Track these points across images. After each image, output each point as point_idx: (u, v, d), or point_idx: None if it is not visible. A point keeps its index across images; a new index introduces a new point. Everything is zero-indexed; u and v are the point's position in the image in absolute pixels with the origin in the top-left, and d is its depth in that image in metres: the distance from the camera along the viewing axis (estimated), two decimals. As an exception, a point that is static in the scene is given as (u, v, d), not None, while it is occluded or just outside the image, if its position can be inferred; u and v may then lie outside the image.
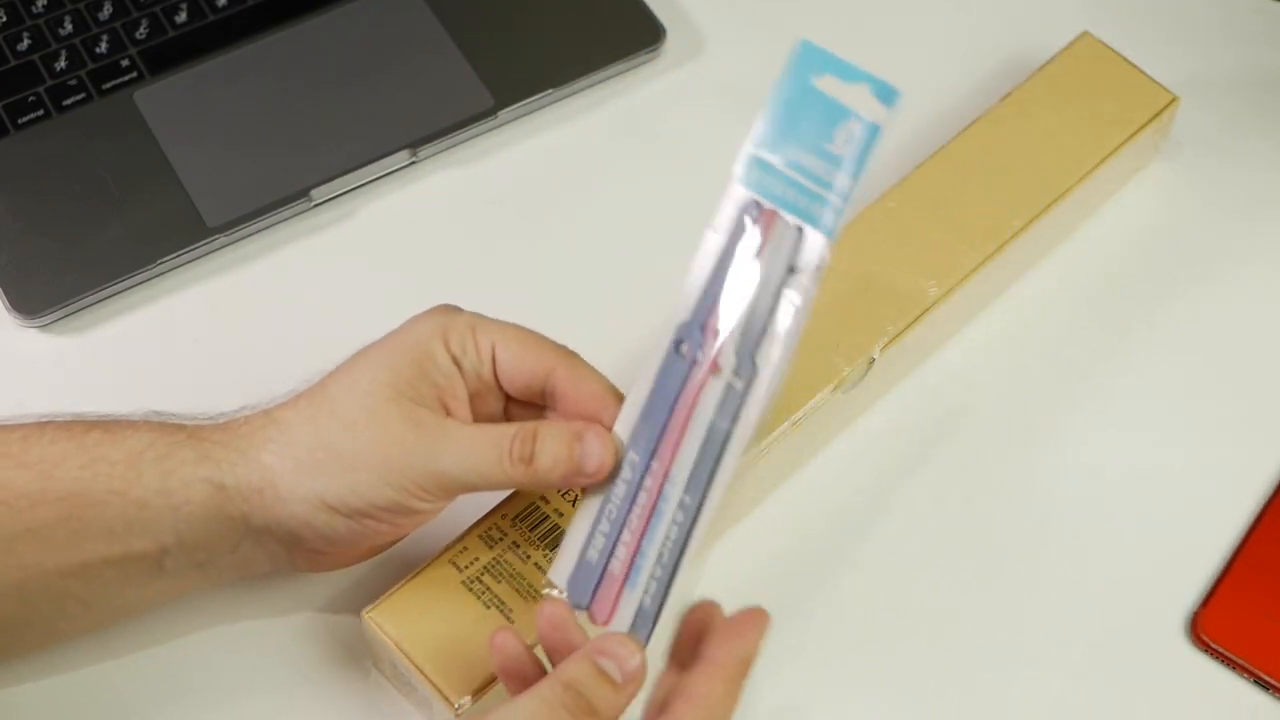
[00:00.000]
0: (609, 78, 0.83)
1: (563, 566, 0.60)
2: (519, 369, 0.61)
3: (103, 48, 0.81)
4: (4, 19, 0.82)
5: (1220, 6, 0.86)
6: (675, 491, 0.58)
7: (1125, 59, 0.77)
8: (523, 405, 0.63)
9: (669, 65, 0.84)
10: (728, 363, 0.58)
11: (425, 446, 0.59)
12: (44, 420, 0.62)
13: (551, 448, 0.59)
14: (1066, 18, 0.82)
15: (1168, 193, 0.80)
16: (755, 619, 0.57)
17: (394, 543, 0.65)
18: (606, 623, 0.59)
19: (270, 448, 0.60)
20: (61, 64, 0.81)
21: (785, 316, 0.58)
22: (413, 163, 0.80)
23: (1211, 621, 0.68)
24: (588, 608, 0.59)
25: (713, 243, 0.59)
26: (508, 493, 0.66)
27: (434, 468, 0.59)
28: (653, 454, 0.59)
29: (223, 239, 0.77)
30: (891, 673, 0.68)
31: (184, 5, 0.82)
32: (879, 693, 0.68)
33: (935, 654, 0.68)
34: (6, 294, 0.75)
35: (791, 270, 0.58)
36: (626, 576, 0.58)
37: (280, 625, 0.68)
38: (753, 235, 0.58)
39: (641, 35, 0.83)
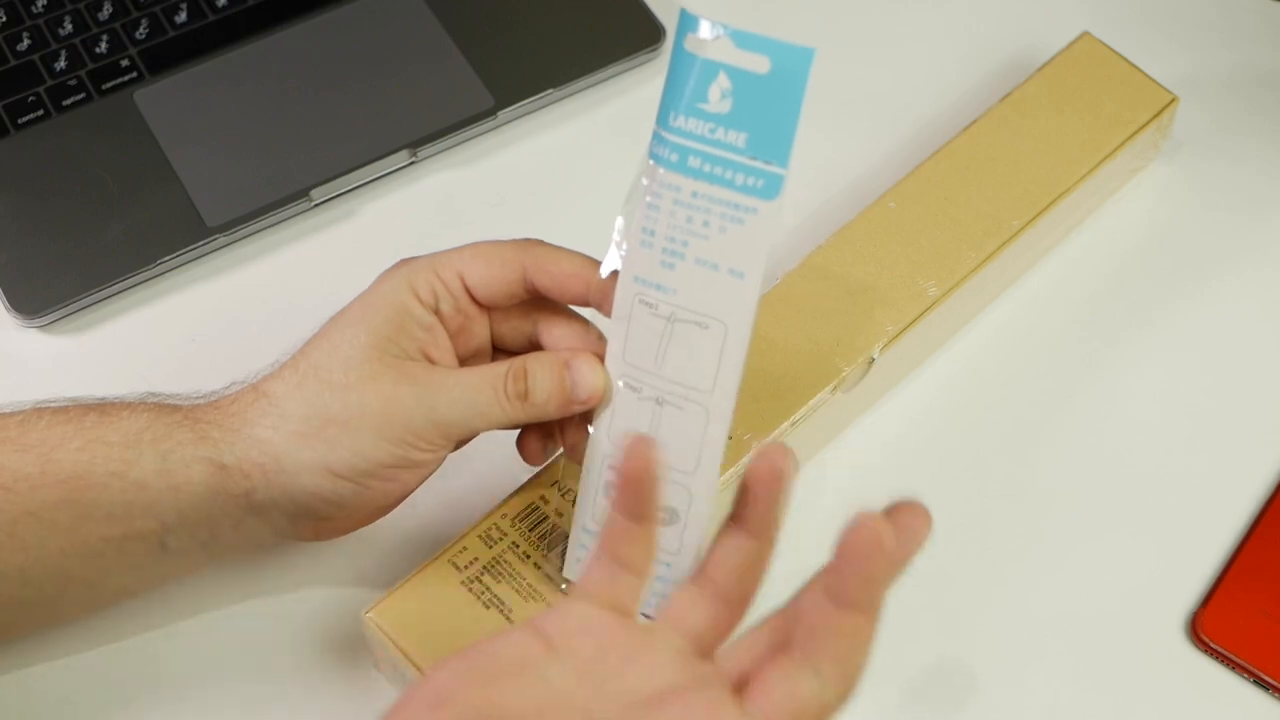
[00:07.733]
0: (609, 78, 0.83)
1: None
2: (492, 284, 0.61)
3: (103, 48, 0.81)
4: (4, 19, 0.82)
5: (1219, 6, 0.86)
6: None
7: (1125, 59, 0.77)
8: (509, 323, 0.63)
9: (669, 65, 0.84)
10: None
11: (421, 398, 0.59)
12: (39, 405, 0.62)
13: (543, 380, 0.60)
14: (1066, 18, 0.82)
15: (1167, 193, 0.80)
16: (917, 515, 0.52)
17: (400, 500, 0.63)
18: None
19: (265, 421, 0.60)
20: (61, 64, 0.81)
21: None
22: (413, 163, 0.80)
23: (1211, 621, 0.68)
24: None
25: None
26: (509, 488, 0.66)
27: (433, 417, 0.59)
28: None
29: (223, 239, 0.77)
30: (890, 673, 0.68)
31: (184, 5, 0.83)
32: (878, 693, 0.68)
33: (934, 654, 0.68)
34: (6, 294, 0.75)
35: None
36: None
37: (280, 625, 0.68)
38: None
39: (641, 35, 0.83)
